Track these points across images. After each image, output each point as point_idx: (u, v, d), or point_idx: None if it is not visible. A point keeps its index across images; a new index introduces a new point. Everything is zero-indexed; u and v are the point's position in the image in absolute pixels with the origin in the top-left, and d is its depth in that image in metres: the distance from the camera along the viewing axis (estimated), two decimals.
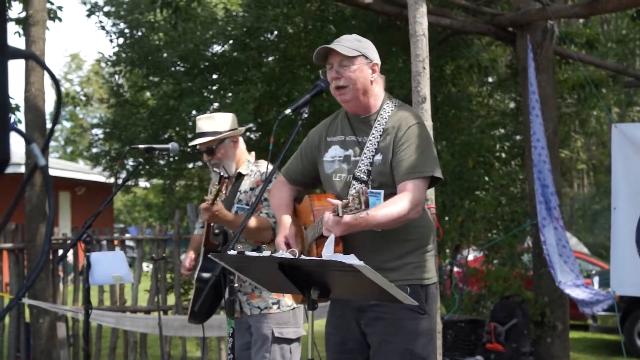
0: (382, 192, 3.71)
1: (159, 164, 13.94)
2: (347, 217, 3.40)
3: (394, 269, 3.73)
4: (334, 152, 3.96)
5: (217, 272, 3.75)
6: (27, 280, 1.35)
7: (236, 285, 4.75)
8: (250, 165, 5.00)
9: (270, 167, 4.88)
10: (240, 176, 4.99)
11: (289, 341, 4.85)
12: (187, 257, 5.14)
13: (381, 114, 3.86)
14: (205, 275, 4.82)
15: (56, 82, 1.49)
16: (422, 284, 3.82)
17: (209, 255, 4.12)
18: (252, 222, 4.68)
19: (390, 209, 3.60)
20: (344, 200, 3.37)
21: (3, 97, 1.28)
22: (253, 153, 5.10)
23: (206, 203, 4.61)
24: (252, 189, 4.89)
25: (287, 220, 3.97)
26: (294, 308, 4.89)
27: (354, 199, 3.31)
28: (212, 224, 4.92)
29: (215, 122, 4.97)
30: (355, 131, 3.93)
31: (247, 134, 13.42)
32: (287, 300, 4.84)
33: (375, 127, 3.84)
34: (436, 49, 11.08)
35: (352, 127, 3.95)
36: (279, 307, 4.84)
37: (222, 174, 4.71)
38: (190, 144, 5.17)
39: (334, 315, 4.01)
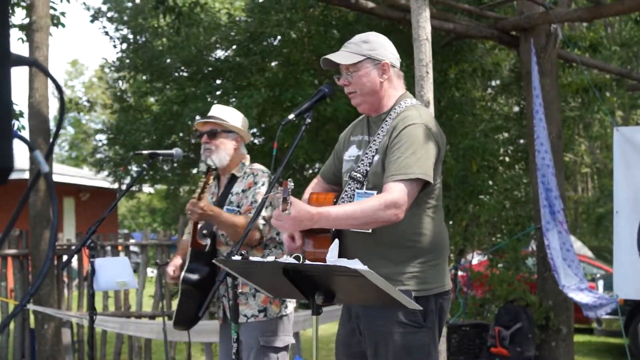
0: (374, 193, 3.68)
1: (163, 170, 13.96)
2: (282, 211, 3.35)
3: (384, 277, 3.47)
4: (351, 152, 3.94)
5: (221, 277, 3.72)
6: (31, 287, 1.36)
7: (224, 291, 4.72)
8: (244, 168, 4.94)
9: (265, 170, 4.90)
10: (233, 178, 4.92)
11: (276, 350, 4.74)
12: (172, 264, 4.98)
13: (390, 114, 3.81)
14: (192, 276, 4.71)
15: (59, 89, 1.49)
16: (419, 296, 3.63)
17: (214, 261, 4.10)
18: (241, 220, 4.63)
19: (353, 207, 3.54)
20: (275, 194, 3.36)
21: (6, 105, 1.28)
22: (248, 157, 5.04)
23: (193, 199, 4.53)
24: (243, 191, 4.82)
25: None
26: (281, 316, 4.78)
27: (276, 194, 3.30)
28: (198, 225, 4.82)
29: (230, 114, 4.96)
30: (370, 131, 3.90)
31: (251, 139, 13.45)
32: (274, 308, 4.75)
33: (382, 127, 3.79)
34: (439, 53, 11.09)
35: (368, 127, 3.93)
36: (265, 315, 4.73)
37: (210, 164, 4.64)
38: (199, 119, 5.12)
39: (343, 317, 3.98)
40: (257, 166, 4.96)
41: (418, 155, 3.62)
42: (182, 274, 4.74)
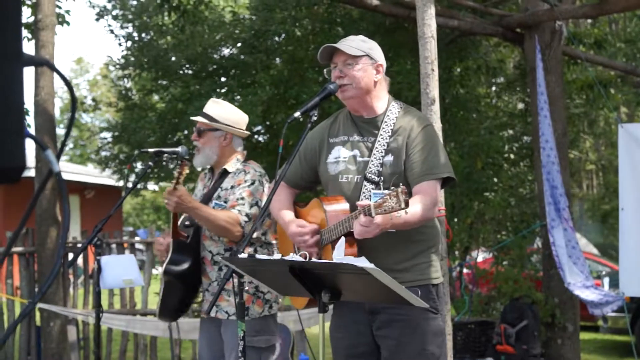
0: None
1: (168, 167, 13.97)
2: (379, 218, 3.39)
3: (406, 270, 3.77)
4: (338, 153, 3.97)
5: (227, 275, 3.73)
6: (43, 286, 1.37)
7: (208, 285, 4.74)
8: (237, 164, 4.90)
9: (258, 169, 4.89)
10: (225, 173, 4.90)
11: (258, 350, 4.69)
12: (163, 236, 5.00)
13: (388, 115, 3.89)
14: (175, 268, 4.69)
15: (70, 88, 1.50)
16: (433, 283, 3.86)
17: (221, 259, 4.11)
18: (222, 215, 4.60)
19: (416, 208, 3.61)
20: (378, 201, 3.36)
21: (18, 105, 1.29)
22: (245, 152, 5.02)
23: (169, 188, 4.53)
24: (232, 187, 4.79)
25: (291, 215, 4.03)
26: (265, 316, 4.76)
27: (391, 198, 3.29)
28: (178, 217, 4.82)
29: (219, 110, 4.93)
30: (361, 131, 3.94)
31: (255, 136, 13.44)
32: (257, 308, 4.73)
33: (384, 128, 3.86)
34: (444, 51, 11.08)
35: (357, 128, 3.97)
36: (247, 315, 4.65)
37: (184, 156, 4.66)
38: (192, 117, 5.15)
39: (341, 319, 4.00)
40: (251, 164, 4.92)
41: (441, 155, 3.84)
42: (164, 265, 4.74)
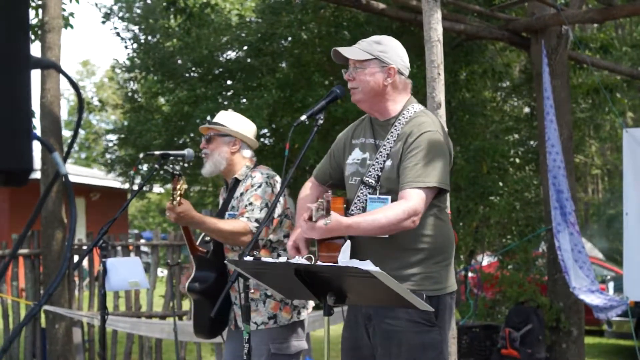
0: (389, 198, 3.69)
1: (174, 170, 13.99)
2: (320, 222, 3.36)
3: (399, 278, 3.57)
4: (355, 155, 3.95)
5: (232, 278, 3.72)
6: (48, 289, 1.37)
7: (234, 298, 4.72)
8: (247, 171, 4.88)
9: (265, 172, 4.87)
10: (237, 182, 4.88)
11: (287, 357, 4.67)
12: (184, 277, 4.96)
13: (399, 119, 3.82)
14: (199, 285, 4.68)
15: (78, 91, 1.50)
16: (432, 295, 3.71)
17: (226, 261, 4.10)
18: (227, 225, 4.56)
19: (378, 216, 3.56)
20: (315, 205, 3.38)
21: (26, 108, 1.30)
22: (254, 160, 4.99)
23: (169, 203, 4.46)
24: (241, 194, 4.76)
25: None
26: (293, 322, 4.71)
27: (320, 205, 3.31)
28: (192, 232, 4.80)
29: (229, 119, 4.94)
30: (375, 134, 3.91)
31: (262, 139, 13.46)
32: (285, 314, 4.68)
33: (391, 132, 3.81)
34: (450, 55, 11.08)
35: (373, 130, 3.94)
36: (275, 322, 4.65)
37: (175, 172, 4.65)
38: (200, 127, 5.15)
39: (349, 320, 3.99)
40: (259, 168, 4.90)
41: (435, 163, 3.67)
42: (187, 283, 4.73)
